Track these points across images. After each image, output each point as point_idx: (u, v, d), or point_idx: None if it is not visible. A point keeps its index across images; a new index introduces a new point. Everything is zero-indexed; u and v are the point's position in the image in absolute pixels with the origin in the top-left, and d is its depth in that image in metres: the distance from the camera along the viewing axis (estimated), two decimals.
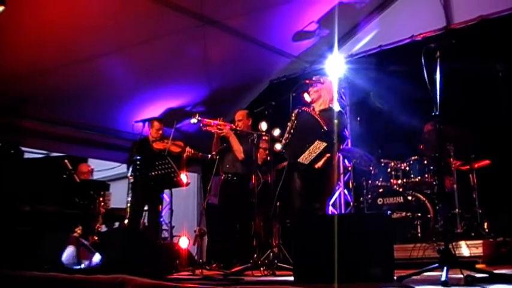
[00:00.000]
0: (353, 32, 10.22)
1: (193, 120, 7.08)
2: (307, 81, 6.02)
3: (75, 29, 7.70)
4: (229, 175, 7.09)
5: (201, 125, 7.06)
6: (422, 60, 4.32)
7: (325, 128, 5.53)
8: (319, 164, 5.49)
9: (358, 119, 8.70)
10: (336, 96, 6.14)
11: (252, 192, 6.38)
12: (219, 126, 7.04)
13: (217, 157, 7.18)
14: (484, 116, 7.56)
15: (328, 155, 5.53)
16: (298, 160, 5.58)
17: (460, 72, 7.44)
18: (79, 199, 8.16)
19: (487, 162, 7.07)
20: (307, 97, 6.03)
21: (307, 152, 5.56)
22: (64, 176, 8.17)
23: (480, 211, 6.78)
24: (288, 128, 5.83)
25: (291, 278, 4.04)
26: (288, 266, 5.29)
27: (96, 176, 10.21)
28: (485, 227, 6.68)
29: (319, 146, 5.53)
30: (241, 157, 7.01)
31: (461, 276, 3.46)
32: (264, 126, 7.66)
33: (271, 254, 6.14)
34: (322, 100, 5.95)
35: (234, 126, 7.15)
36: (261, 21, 9.03)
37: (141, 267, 4.94)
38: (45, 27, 7.59)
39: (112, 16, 7.74)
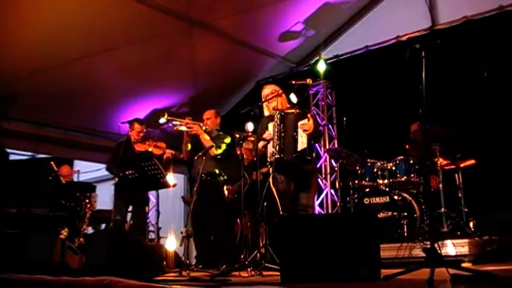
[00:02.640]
0: (339, 33, 10.26)
1: (162, 120, 7.05)
2: (294, 82, 6.05)
3: (62, 31, 7.67)
4: (203, 175, 7.05)
5: (170, 124, 7.03)
6: (408, 61, 4.35)
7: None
8: (307, 132, 5.61)
9: (344, 119, 8.71)
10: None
11: (238, 191, 6.37)
12: (188, 125, 7.01)
13: (192, 157, 7.17)
14: (469, 116, 7.61)
15: (310, 119, 5.69)
16: (298, 150, 5.64)
17: (445, 72, 7.51)
18: (65, 201, 8.12)
19: (472, 161, 7.11)
20: (294, 98, 6.05)
21: (300, 138, 5.63)
22: (50, 177, 8.14)
23: (466, 210, 6.82)
24: (275, 134, 5.83)
25: (278, 279, 4.04)
26: (275, 267, 5.28)
27: (82, 177, 10.17)
28: (471, 226, 6.72)
29: (302, 124, 5.66)
30: (213, 153, 6.97)
31: (447, 275, 3.47)
32: (250, 126, 7.65)
33: (258, 254, 6.14)
34: (282, 106, 6.04)
35: (203, 125, 7.12)
36: (247, 22, 9.04)
37: (128, 269, 4.93)
38: (31, 29, 7.56)
39: (99, 18, 7.73)
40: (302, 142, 5.64)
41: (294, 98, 6.12)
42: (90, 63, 8.40)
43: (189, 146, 7.23)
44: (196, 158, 7.04)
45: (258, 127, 6.16)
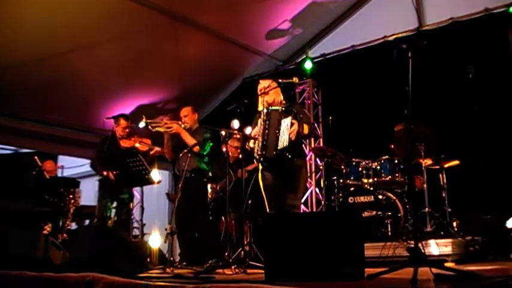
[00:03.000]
0: (326, 32, 10.27)
1: (142, 124, 7.01)
2: (280, 80, 6.03)
3: (46, 25, 7.62)
4: (188, 172, 7.03)
5: (150, 127, 6.99)
6: (395, 61, 4.36)
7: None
8: (291, 134, 5.51)
9: (330, 118, 8.73)
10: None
11: (223, 189, 6.35)
12: (167, 125, 6.99)
13: (176, 156, 7.15)
14: (454, 116, 7.66)
15: (295, 122, 5.56)
16: (279, 148, 5.59)
17: (431, 73, 7.54)
18: (49, 196, 8.07)
19: (456, 162, 7.16)
20: (264, 103, 6.04)
21: (281, 136, 5.59)
22: (34, 172, 8.09)
23: (449, 210, 6.87)
24: (261, 130, 5.82)
25: (262, 277, 4.03)
26: (259, 265, 5.28)
27: (66, 173, 10.10)
28: (455, 225, 6.77)
29: (287, 122, 5.58)
30: (197, 149, 6.95)
31: (430, 274, 3.49)
32: (236, 124, 7.65)
33: (242, 252, 6.14)
34: (277, 101, 5.99)
35: (181, 123, 7.10)
36: (234, 19, 9.02)
37: (111, 265, 4.91)
38: (14, 23, 7.49)
39: (83, 12, 7.67)
40: (283, 140, 5.58)
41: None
42: (74, 57, 8.35)
43: (170, 145, 7.19)
44: (181, 155, 7.03)
45: (253, 123, 6.14)
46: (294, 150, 5.61)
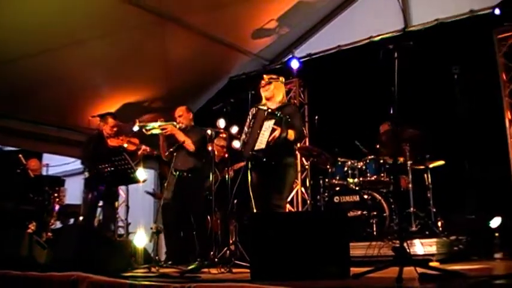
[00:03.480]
0: (312, 31, 10.29)
1: (135, 128, 6.95)
2: (266, 79, 6.01)
3: (31, 23, 7.56)
4: (184, 172, 7.03)
5: (144, 130, 6.95)
6: (381, 61, 4.38)
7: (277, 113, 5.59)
8: (270, 138, 5.48)
9: (316, 117, 8.74)
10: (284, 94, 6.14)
11: (208, 188, 6.34)
12: (161, 127, 6.95)
13: (172, 156, 7.12)
14: (439, 117, 7.70)
15: (278, 128, 5.51)
16: (255, 148, 5.58)
17: (417, 73, 7.58)
18: (33, 195, 8.01)
19: (441, 162, 7.20)
20: (263, 95, 6.02)
21: (260, 138, 5.57)
22: (18, 171, 8.03)
23: (434, 210, 6.90)
24: (245, 127, 5.83)
25: (248, 276, 4.04)
26: (244, 264, 5.28)
27: (51, 171, 10.04)
28: (439, 225, 6.81)
29: (269, 125, 5.56)
30: (192, 149, 6.93)
31: (415, 273, 3.51)
32: (222, 123, 7.63)
33: (228, 251, 6.14)
34: (275, 98, 5.95)
35: (176, 123, 7.07)
36: (220, 18, 9.00)
37: (96, 264, 4.88)
38: None
39: (69, 10, 7.62)
40: (261, 142, 5.59)
41: (263, 95, 6.07)
42: (60, 55, 8.28)
43: (166, 145, 7.16)
44: (176, 154, 7.03)
45: None
46: (270, 154, 5.55)
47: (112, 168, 6.91)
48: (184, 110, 7.31)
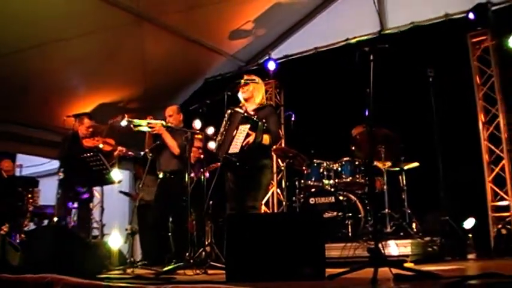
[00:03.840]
0: (289, 33, 10.32)
1: (123, 123, 6.85)
2: (242, 80, 5.98)
3: (5, 21, 7.48)
4: (167, 173, 6.98)
5: (132, 126, 6.87)
6: (357, 63, 4.40)
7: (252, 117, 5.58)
8: (244, 143, 5.47)
9: (293, 119, 8.75)
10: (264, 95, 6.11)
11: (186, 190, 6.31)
12: (149, 125, 6.88)
13: (151, 155, 7.06)
14: (413, 119, 7.76)
15: (252, 134, 5.49)
16: (230, 152, 5.56)
17: (392, 75, 7.63)
18: (6, 196, 7.92)
19: (416, 164, 7.25)
20: (240, 96, 5.99)
21: (234, 141, 5.56)
22: None
23: (409, 211, 6.95)
24: (221, 129, 5.81)
25: (223, 277, 4.03)
26: (220, 265, 5.28)
27: (24, 172, 9.92)
28: (414, 226, 6.86)
29: (244, 129, 5.54)
30: (177, 152, 6.87)
31: (390, 274, 3.53)
32: (197, 124, 7.61)
33: (203, 252, 6.12)
34: (254, 99, 5.93)
35: (165, 123, 7.01)
36: (197, 18, 8.99)
37: (71, 266, 4.84)
38: None
39: (47, 8, 7.55)
40: (235, 146, 5.58)
41: (240, 96, 6.05)
42: (35, 54, 8.19)
43: (151, 143, 7.10)
44: (160, 155, 6.99)
45: None
46: (244, 158, 5.53)
47: (87, 169, 6.85)
48: (175, 110, 7.22)
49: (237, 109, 5.78)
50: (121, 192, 9.95)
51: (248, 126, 5.53)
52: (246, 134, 5.48)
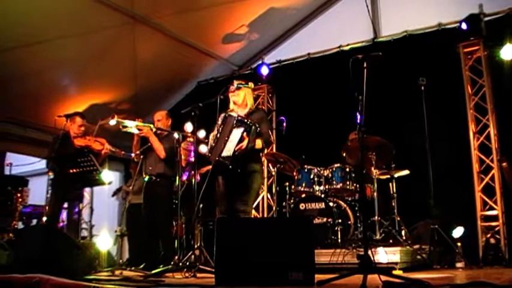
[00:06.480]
0: (283, 38, 10.34)
1: (112, 122, 6.88)
2: (234, 84, 6.00)
3: None
4: (153, 176, 6.99)
5: (120, 126, 6.88)
6: (350, 70, 4.42)
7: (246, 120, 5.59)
8: (237, 148, 5.48)
9: (284, 124, 8.76)
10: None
11: (176, 193, 6.31)
12: (138, 127, 6.90)
13: (141, 157, 7.08)
14: (405, 127, 7.79)
15: (245, 138, 5.51)
16: (222, 155, 5.57)
17: (385, 83, 7.66)
18: None
19: (406, 171, 7.27)
20: (232, 100, 6.00)
21: (228, 144, 5.57)
22: None
23: (398, 219, 6.96)
24: (214, 132, 5.82)
25: (212, 281, 4.02)
26: (209, 269, 5.27)
27: (14, 171, 9.88)
28: (403, 234, 6.87)
29: (237, 133, 5.55)
30: (162, 156, 6.90)
31: (379, 281, 3.54)
32: (189, 127, 7.62)
33: (192, 256, 6.11)
34: (245, 104, 5.95)
35: (153, 127, 7.03)
36: (191, 21, 8.98)
37: (59, 266, 4.82)
38: None
39: (39, 7, 7.53)
40: (228, 150, 5.58)
41: (232, 100, 6.06)
42: (26, 53, 8.18)
43: (139, 146, 7.12)
44: (146, 157, 6.99)
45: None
46: (236, 162, 5.55)
47: (77, 170, 6.83)
48: (164, 115, 7.30)
49: (231, 113, 5.80)
50: (114, 191, 9.95)
51: (242, 129, 5.54)
52: (239, 137, 5.50)
